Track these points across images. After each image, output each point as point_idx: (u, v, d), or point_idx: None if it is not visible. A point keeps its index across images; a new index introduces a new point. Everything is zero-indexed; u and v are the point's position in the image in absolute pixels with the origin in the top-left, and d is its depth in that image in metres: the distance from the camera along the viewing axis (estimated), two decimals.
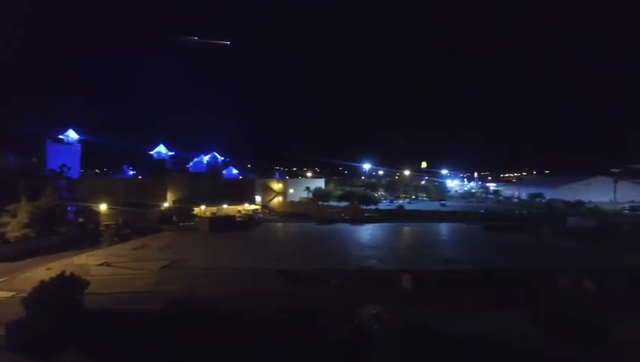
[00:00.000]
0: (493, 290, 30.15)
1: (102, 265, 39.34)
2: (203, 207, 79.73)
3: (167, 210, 79.05)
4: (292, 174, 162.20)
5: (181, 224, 71.13)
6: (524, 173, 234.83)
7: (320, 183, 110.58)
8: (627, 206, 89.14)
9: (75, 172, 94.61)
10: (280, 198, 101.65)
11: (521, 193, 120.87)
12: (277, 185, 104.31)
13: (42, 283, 22.87)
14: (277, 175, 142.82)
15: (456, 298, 28.82)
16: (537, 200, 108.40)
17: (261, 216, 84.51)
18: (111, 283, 33.00)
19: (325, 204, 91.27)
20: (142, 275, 35.74)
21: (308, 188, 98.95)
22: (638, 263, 39.71)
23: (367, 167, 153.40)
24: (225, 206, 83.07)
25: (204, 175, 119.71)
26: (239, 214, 78.95)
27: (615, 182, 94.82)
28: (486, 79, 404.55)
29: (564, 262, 40.60)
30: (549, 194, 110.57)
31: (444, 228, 67.84)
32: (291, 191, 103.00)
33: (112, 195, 73.09)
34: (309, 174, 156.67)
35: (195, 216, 75.51)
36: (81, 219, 62.19)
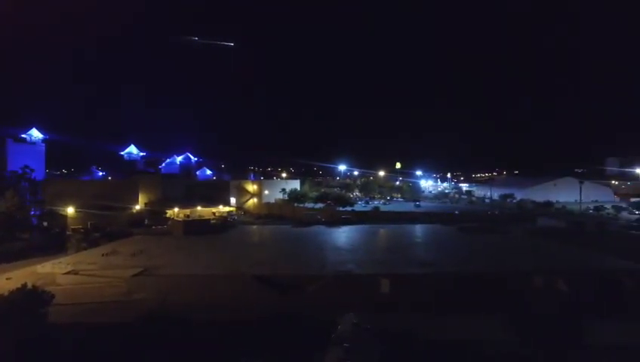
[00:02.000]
0: (471, 293, 30.26)
1: (68, 273, 37.29)
2: (176, 210, 77.69)
3: (139, 212, 76.64)
4: (267, 175, 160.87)
5: (153, 227, 69.05)
6: (494, 174, 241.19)
7: (295, 184, 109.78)
8: (592, 206, 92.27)
9: (39, 173, 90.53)
10: (255, 200, 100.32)
11: (493, 193, 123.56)
12: (252, 187, 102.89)
13: (0, 296, 21.27)
14: (252, 176, 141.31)
15: (435, 302, 28.70)
16: (508, 200, 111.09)
17: (236, 218, 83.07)
18: (78, 293, 31.25)
19: (301, 205, 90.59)
20: (112, 284, 34.10)
21: (283, 190, 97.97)
22: (607, 263, 41.05)
23: (342, 168, 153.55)
24: (199, 208, 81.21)
25: (177, 176, 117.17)
26: (214, 216, 77.33)
27: (581, 183, 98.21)
28: (458, 81, 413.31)
29: (537, 262, 41.34)
30: (519, 194, 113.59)
31: (420, 229, 68.33)
32: (266, 192, 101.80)
33: (80, 198, 70.02)
34: (284, 175, 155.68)
35: (168, 218, 73.42)
36: (45, 224, 59.21)
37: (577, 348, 20.99)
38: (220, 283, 34.45)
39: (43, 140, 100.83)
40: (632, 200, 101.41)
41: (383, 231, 66.51)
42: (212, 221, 71.49)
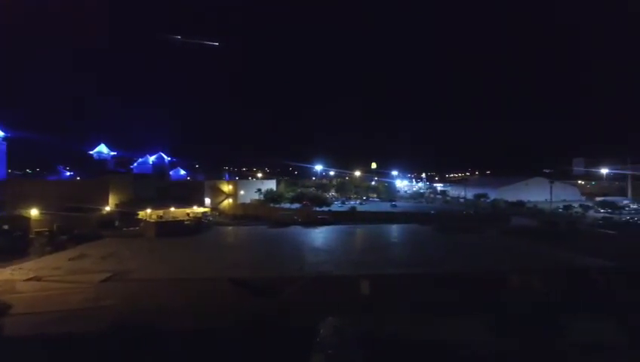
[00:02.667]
0: (451, 294, 30.08)
1: (30, 279, 35.09)
2: (149, 211, 75.04)
3: (109, 214, 73.71)
4: (242, 175, 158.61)
5: (125, 229, 66.48)
6: (467, 174, 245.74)
7: (271, 185, 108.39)
8: (561, 205, 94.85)
9: (0, 172, 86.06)
10: (230, 200, 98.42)
11: (467, 193, 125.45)
12: (227, 187, 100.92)
13: None
14: (227, 176, 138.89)
15: (416, 303, 28.30)
16: (482, 200, 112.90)
17: (211, 219, 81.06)
18: (41, 302, 29.26)
19: (277, 205, 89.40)
20: (78, 290, 32.19)
21: (259, 190, 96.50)
22: (579, 261, 41.92)
23: (318, 168, 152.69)
24: (172, 209, 78.73)
25: (149, 176, 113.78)
26: (188, 218, 75.17)
27: (552, 182, 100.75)
28: (431, 82, 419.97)
29: (514, 262, 41.79)
30: (492, 194, 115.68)
31: (397, 229, 68.35)
32: (242, 192, 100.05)
33: (46, 199, 66.61)
34: (259, 175, 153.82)
35: (140, 220, 70.83)
36: (6, 227, 55.91)
37: (555, 347, 21.02)
38: (195, 287, 33.15)
39: (4, 138, 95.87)
40: (598, 199, 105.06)
41: (361, 231, 66.18)
42: (186, 222, 69.43)
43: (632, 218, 78.51)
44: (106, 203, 77.11)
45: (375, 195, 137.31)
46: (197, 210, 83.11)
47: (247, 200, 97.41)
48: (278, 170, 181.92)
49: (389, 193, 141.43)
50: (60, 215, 62.39)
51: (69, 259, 43.32)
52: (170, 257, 45.13)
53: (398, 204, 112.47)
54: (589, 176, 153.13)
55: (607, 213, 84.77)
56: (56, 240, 51.99)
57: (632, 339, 21.76)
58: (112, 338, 20.54)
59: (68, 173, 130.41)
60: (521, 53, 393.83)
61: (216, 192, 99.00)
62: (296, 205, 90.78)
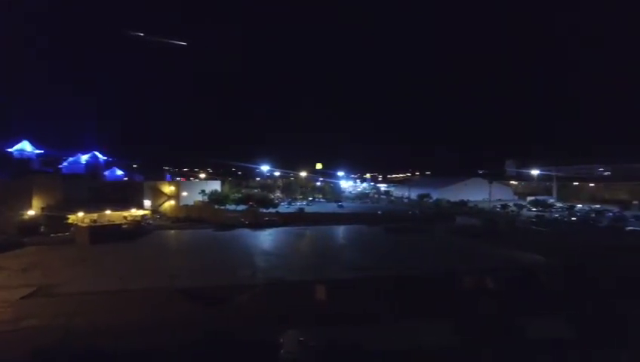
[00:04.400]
0: (409, 297, 30.02)
1: None
2: (80, 214, 68.99)
3: (34, 218, 66.90)
4: (184, 176, 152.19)
5: (52, 236, 60.54)
6: (408, 174, 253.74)
7: (216, 185, 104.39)
8: (499, 204, 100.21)
9: None
10: (172, 202, 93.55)
11: (411, 193, 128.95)
12: (168, 188, 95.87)
13: None
14: (168, 177, 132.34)
15: (372, 307, 27.78)
16: (425, 200, 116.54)
17: (151, 222, 76.30)
18: None
19: (222, 207, 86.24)
20: None
21: (203, 191, 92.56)
22: (525, 259, 44.14)
23: (264, 168, 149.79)
24: (108, 212, 73.10)
25: (81, 176, 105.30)
26: (126, 221, 70.13)
27: (490, 183, 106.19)
28: (374, 83, 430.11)
29: (463, 262, 42.91)
30: (434, 194, 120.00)
31: (347, 230, 68.29)
32: (184, 194, 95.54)
33: None
34: (202, 175, 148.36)
35: (71, 225, 64.84)
36: None
37: (515, 345, 21.32)
38: (136, 300, 30.33)
39: None
40: (529, 198, 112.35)
41: (310, 233, 65.35)
42: (124, 226, 64.67)
43: (560, 216, 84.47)
44: (30, 206, 69.96)
45: (321, 196, 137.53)
46: (136, 212, 77.96)
47: (191, 202, 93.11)
48: (221, 170, 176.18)
49: (335, 194, 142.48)
50: None
51: None
52: (106, 266, 41.42)
53: (344, 204, 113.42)
54: (520, 177, 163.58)
55: (539, 211, 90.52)
56: None
57: (580, 333, 22.53)
58: None
59: None
60: (456, 55, 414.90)
61: (157, 194, 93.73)
62: (242, 207, 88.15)
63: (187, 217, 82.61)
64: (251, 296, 31.24)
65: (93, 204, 74.85)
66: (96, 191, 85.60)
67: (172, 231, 68.63)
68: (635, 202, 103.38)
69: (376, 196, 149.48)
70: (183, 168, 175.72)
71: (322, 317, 25.51)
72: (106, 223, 66.39)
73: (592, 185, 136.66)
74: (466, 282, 33.29)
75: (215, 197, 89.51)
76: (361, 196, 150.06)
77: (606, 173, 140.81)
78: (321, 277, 35.95)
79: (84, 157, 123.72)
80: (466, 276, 34.38)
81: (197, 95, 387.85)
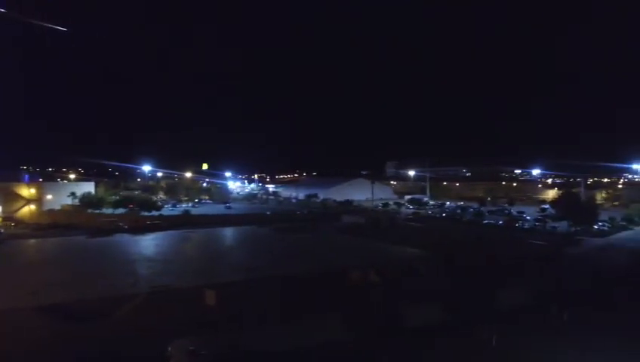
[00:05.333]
0: (302, 296, 30.96)
1: None
2: None
3: None
4: (49, 176, 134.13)
5: None
6: (295, 175, 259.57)
7: (89, 187, 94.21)
8: (380, 203, 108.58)
9: None
10: (33, 207, 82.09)
11: (299, 194, 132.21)
12: (28, 191, 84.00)
13: None
14: (26, 177, 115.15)
15: (264, 309, 28.12)
16: (313, 200, 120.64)
17: (2, 231, 65.32)
18: None
19: (97, 211, 78.40)
20: None
21: (73, 194, 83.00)
22: (405, 253, 48.83)
23: (146, 168, 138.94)
24: None
25: None
26: None
27: (373, 183, 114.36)
28: (260, 85, 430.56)
29: (352, 258, 45.71)
30: (321, 194, 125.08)
31: (235, 232, 67.65)
32: (49, 197, 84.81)
33: None
34: (72, 176, 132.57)
35: None
36: None
37: (401, 336, 23.46)
38: None
39: None
40: (407, 197, 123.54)
41: (197, 236, 63.37)
42: None
43: (432, 212, 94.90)
44: None
45: (207, 197, 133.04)
46: None
47: (58, 206, 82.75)
48: (94, 170, 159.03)
49: (223, 195, 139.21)
50: None
51: None
52: None
53: (232, 205, 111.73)
54: (398, 177, 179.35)
55: (415, 208, 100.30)
56: None
57: (458, 318, 25.73)
58: None
59: None
60: (339, 59, 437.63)
61: (12, 197, 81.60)
62: (120, 210, 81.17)
63: (53, 223, 73.19)
64: (133, 307, 29.17)
65: None
66: None
67: (32, 241, 60.30)
68: (489, 199, 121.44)
69: (264, 197, 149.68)
70: (48, 168, 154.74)
71: (212, 323, 24.71)
72: None
73: (458, 184, 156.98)
74: (353, 277, 35.52)
75: (88, 201, 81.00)
76: (250, 197, 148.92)
77: (468, 174, 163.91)
78: (210, 281, 34.88)
79: None
80: (352, 271, 36.60)
81: (71, 86, 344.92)
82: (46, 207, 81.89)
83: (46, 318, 26.70)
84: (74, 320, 26.43)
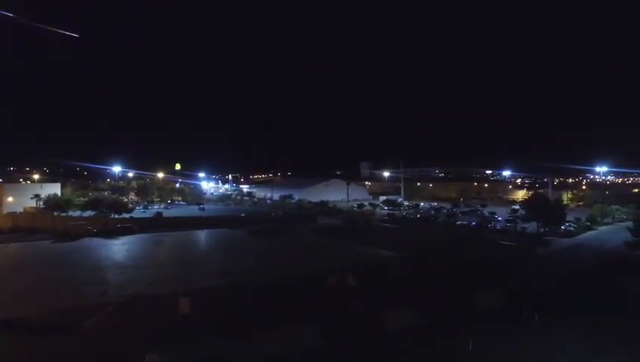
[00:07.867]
0: (279, 302, 30.31)
1: None
2: None
3: None
4: (9, 177, 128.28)
5: None
6: (270, 176, 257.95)
7: (55, 188, 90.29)
8: (355, 204, 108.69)
9: None
10: None
11: (274, 195, 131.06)
12: None
13: None
14: None
15: (240, 317, 27.19)
16: (288, 201, 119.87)
17: None
18: None
19: (64, 214, 75.19)
20: None
21: (37, 196, 79.37)
22: (380, 255, 48.89)
23: (116, 169, 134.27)
24: None
25: None
26: None
27: (348, 184, 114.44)
28: (235, 84, 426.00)
29: (329, 261, 45.21)
30: (297, 195, 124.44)
31: (210, 235, 66.31)
32: (10, 199, 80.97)
33: None
34: (35, 177, 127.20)
35: None
36: None
37: (382, 337, 23.19)
38: None
39: None
40: (381, 198, 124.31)
41: (171, 239, 61.58)
42: None
43: (407, 213, 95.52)
44: None
45: (180, 198, 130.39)
46: None
47: (20, 209, 78.99)
48: (61, 170, 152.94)
49: (196, 196, 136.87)
50: None
51: None
52: None
53: (206, 207, 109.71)
54: (373, 178, 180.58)
55: (390, 210, 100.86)
56: None
57: (433, 320, 25.61)
58: None
59: None
60: (313, 59, 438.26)
61: None
62: (89, 212, 78.15)
63: (15, 227, 69.48)
64: (101, 318, 27.70)
65: None
66: None
67: None
68: (462, 199, 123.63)
69: (239, 198, 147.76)
70: (9, 168, 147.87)
71: (189, 334, 23.56)
72: None
73: (431, 185, 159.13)
74: (331, 281, 35.08)
75: (54, 203, 77.54)
76: (224, 198, 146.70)
77: (441, 175, 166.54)
78: (184, 287, 33.66)
79: None
80: (328, 276, 36.11)
81: (32, 84, 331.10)
82: (6, 210, 77.93)
83: (1, 332, 24.75)
84: (34, 333, 24.47)
